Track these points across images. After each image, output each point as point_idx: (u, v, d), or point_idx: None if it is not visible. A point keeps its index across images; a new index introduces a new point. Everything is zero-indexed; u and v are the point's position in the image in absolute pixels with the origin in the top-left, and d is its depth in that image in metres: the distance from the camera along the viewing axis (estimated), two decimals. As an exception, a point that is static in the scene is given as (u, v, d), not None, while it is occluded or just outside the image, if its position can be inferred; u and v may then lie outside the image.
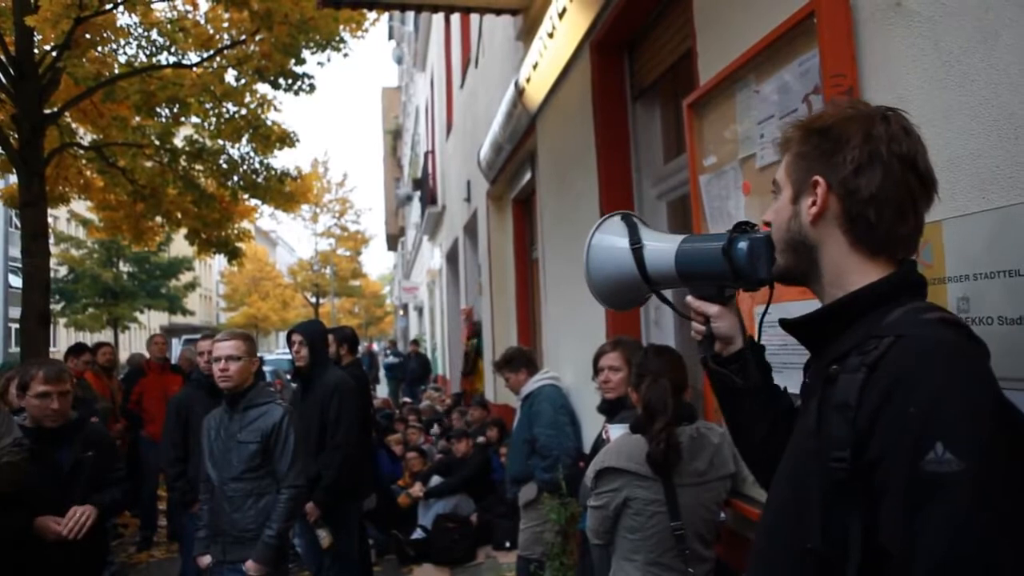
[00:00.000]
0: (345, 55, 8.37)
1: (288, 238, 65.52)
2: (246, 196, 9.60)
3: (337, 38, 8.07)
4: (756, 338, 1.30)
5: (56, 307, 22.45)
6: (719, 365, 1.26)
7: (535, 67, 4.83)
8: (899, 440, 0.82)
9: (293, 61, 8.00)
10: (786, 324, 1.11)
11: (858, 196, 0.99)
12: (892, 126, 1.00)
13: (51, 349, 7.83)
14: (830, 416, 0.91)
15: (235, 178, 9.12)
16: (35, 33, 7.04)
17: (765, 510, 1.10)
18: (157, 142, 8.71)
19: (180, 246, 18.17)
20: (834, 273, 1.04)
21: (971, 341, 0.93)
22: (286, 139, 8.80)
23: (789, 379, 1.48)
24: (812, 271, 1.07)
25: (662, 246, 1.29)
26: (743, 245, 1.15)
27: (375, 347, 28.77)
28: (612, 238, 1.36)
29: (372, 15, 8.22)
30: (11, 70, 7.10)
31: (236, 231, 10.02)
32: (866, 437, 0.85)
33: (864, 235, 1.01)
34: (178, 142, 8.99)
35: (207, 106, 8.45)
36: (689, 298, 1.27)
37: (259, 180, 9.19)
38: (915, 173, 1.00)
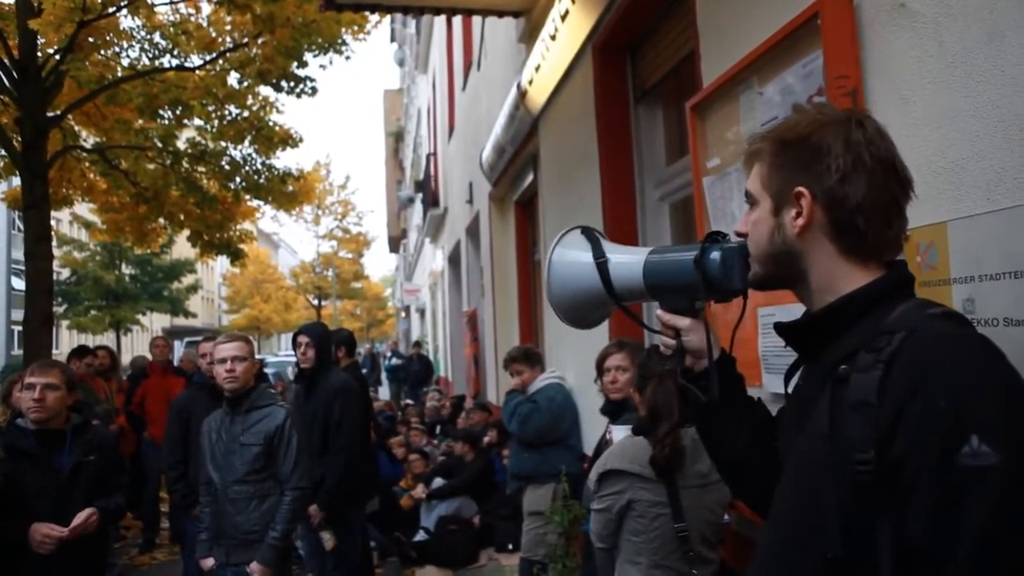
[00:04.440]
0: (347, 57, 8.40)
1: (290, 240, 65.59)
2: (248, 197, 9.62)
3: (339, 40, 8.10)
4: (728, 349, 1.27)
5: (59, 309, 22.47)
6: (690, 380, 1.24)
7: (537, 69, 4.83)
8: (930, 435, 0.79)
9: (295, 64, 8.03)
10: (781, 328, 1.08)
11: (846, 205, 0.98)
12: (868, 130, 0.99)
13: (54, 351, 7.84)
14: (847, 417, 0.87)
15: (237, 179, 9.14)
16: (38, 36, 7.06)
17: (770, 520, 1.05)
18: (160, 144, 8.72)
19: (182, 248, 18.18)
20: (824, 280, 1.02)
21: (978, 332, 0.92)
22: (289, 140, 8.82)
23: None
24: (798, 278, 1.05)
25: (628, 259, 1.26)
26: (716, 256, 1.13)
27: (377, 349, 28.72)
28: (574, 252, 1.32)
29: (374, 18, 8.24)
30: (14, 73, 7.12)
31: (238, 233, 10.04)
32: (889, 435, 0.82)
33: (853, 242, 0.99)
34: (181, 144, 9.02)
35: (209, 108, 8.48)
36: (659, 311, 1.25)
37: (261, 181, 9.21)
38: (895, 175, 0.99)
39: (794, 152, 1.02)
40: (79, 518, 2.81)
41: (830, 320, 1.00)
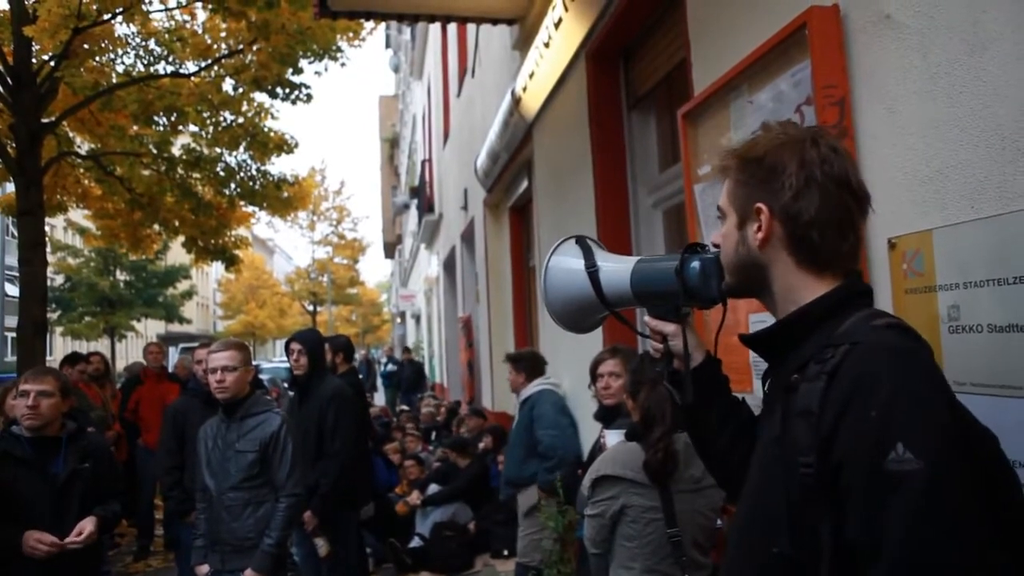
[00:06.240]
0: (342, 64, 8.42)
1: (285, 246, 65.28)
2: (243, 203, 9.62)
3: (334, 47, 8.11)
4: (713, 353, 1.33)
5: (53, 316, 22.36)
6: (675, 383, 1.30)
7: (531, 76, 4.86)
8: (862, 442, 0.87)
9: (290, 70, 8.03)
10: (745, 339, 1.16)
11: (800, 220, 1.04)
12: (822, 148, 1.05)
13: (48, 358, 7.82)
14: (794, 423, 0.95)
15: (232, 185, 9.14)
16: (33, 43, 7.06)
17: (734, 519, 1.13)
18: (155, 150, 8.72)
19: (177, 254, 18.17)
20: (785, 290, 1.09)
21: (918, 343, 0.98)
22: (284, 145, 8.83)
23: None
24: (763, 288, 1.12)
25: (617, 267, 1.33)
26: (695, 265, 1.20)
27: (372, 354, 28.62)
28: (568, 260, 1.39)
29: (369, 24, 8.26)
30: (9, 79, 7.11)
31: (233, 238, 10.03)
32: (830, 441, 0.89)
33: (809, 255, 1.06)
34: (176, 150, 9.00)
35: (204, 115, 8.47)
36: (647, 318, 1.31)
37: (256, 187, 9.21)
38: (849, 190, 1.05)
39: (754, 170, 1.09)
40: (78, 534, 2.80)
41: (786, 333, 1.08)
